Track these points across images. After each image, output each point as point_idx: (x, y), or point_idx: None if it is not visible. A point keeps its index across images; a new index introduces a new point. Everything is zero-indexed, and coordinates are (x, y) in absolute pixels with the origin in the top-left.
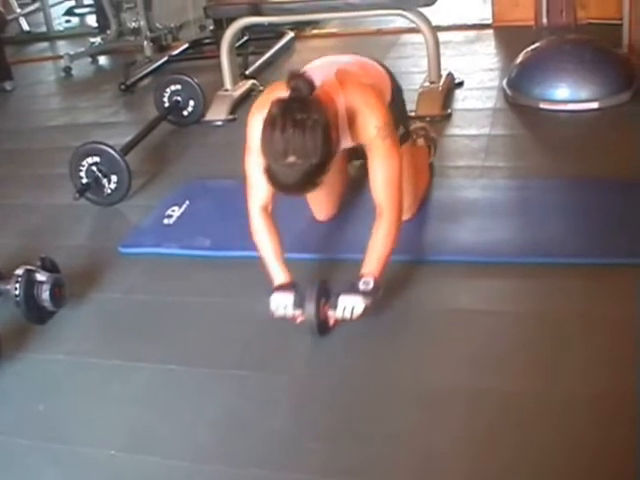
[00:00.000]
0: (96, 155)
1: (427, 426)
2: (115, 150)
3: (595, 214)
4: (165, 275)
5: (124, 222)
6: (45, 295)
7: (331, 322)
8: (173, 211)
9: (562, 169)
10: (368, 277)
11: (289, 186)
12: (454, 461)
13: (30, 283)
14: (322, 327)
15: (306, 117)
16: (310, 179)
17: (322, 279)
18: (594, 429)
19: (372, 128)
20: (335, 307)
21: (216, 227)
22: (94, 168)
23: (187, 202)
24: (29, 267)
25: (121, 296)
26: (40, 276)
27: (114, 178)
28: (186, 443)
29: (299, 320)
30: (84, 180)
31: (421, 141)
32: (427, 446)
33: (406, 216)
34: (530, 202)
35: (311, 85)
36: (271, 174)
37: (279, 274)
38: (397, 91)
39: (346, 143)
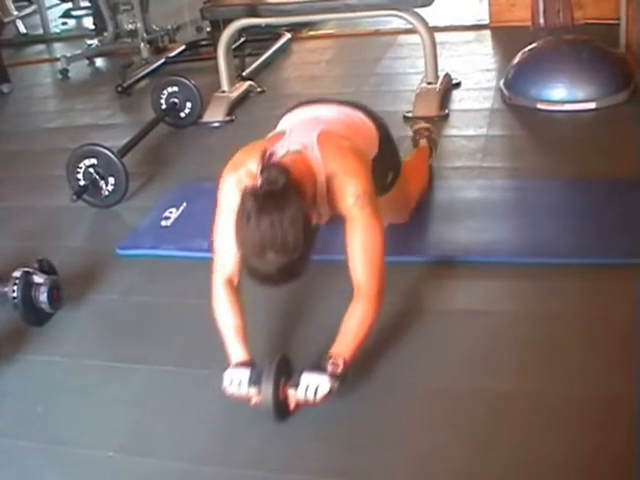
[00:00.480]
0: (93, 157)
1: (425, 426)
2: (112, 152)
3: (592, 214)
4: (162, 277)
5: (121, 224)
6: (43, 297)
7: (291, 405)
8: (170, 213)
9: (559, 169)
10: (338, 358)
11: (270, 281)
12: (453, 461)
13: (28, 285)
14: (281, 409)
15: (283, 214)
16: (292, 273)
17: (283, 354)
18: (591, 430)
19: (350, 196)
20: (297, 386)
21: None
22: (91, 170)
23: (184, 204)
24: (27, 269)
25: (119, 298)
26: (38, 278)
27: (111, 180)
28: (184, 444)
29: (254, 401)
30: (81, 182)
31: (424, 142)
32: (426, 446)
33: (403, 220)
34: (527, 202)
35: (287, 174)
36: (248, 267)
37: (238, 352)
38: (386, 140)
39: (325, 216)
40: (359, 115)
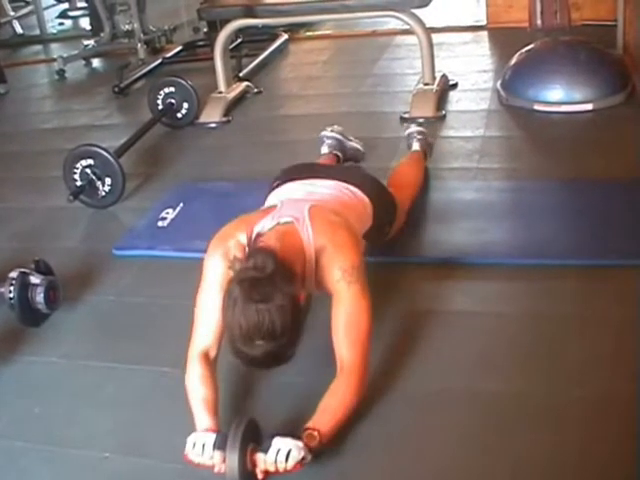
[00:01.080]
0: (90, 157)
1: (422, 428)
2: (109, 152)
3: (589, 215)
4: (159, 277)
5: (118, 224)
6: (39, 298)
7: (260, 475)
8: (167, 213)
9: (556, 171)
10: (314, 431)
11: (255, 364)
12: (449, 463)
13: (24, 286)
14: (247, 478)
15: (270, 302)
16: (279, 358)
17: (251, 418)
18: (590, 430)
19: (337, 270)
20: (267, 450)
21: (210, 229)
22: (88, 170)
23: (181, 204)
24: (23, 270)
25: (115, 298)
26: (34, 279)
27: (108, 180)
28: (180, 445)
29: (217, 469)
30: (78, 183)
31: (417, 145)
32: (422, 448)
33: (398, 223)
34: (524, 203)
35: (273, 258)
36: (234, 350)
37: (204, 421)
38: (379, 208)
39: (312, 291)
40: (351, 189)
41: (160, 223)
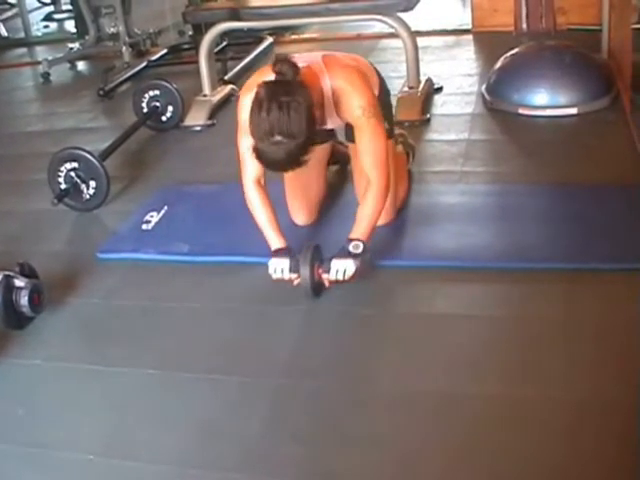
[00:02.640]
0: (74, 161)
1: (405, 430)
2: (93, 156)
3: (573, 219)
4: (143, 281)
5: (102, 228)
6: (24, 301)
7: (326, 283)
8: (151, 216)
9: (540, 174)
10: (357, 241)
11: (276, 163)
12: (431, 464)
13: (8, 289)
14: (317, 289)
15: (290, 99)
16: (295, 157)
17: (315, 244)
18: (573, 434)
19: (357, 108)
20: (328, 270)
21: (194, 232)
22: (72, 174)
23: (165, 207)
24: (7, 273)
25: (99, 302)
26: (19, 282)
27: (92, 184)
28: (165, 447)
29: (295, 283)
30: (62, 186)
31: (400, 147)
32: (405, 449)
33: (384, 221)
34: (508, 207)
35: (295, 68)
36: (259, 152)
37: (275, 240)
38: (384, 90)
39: (334, 121)
40: (362, 58)
41: (144, 226)
